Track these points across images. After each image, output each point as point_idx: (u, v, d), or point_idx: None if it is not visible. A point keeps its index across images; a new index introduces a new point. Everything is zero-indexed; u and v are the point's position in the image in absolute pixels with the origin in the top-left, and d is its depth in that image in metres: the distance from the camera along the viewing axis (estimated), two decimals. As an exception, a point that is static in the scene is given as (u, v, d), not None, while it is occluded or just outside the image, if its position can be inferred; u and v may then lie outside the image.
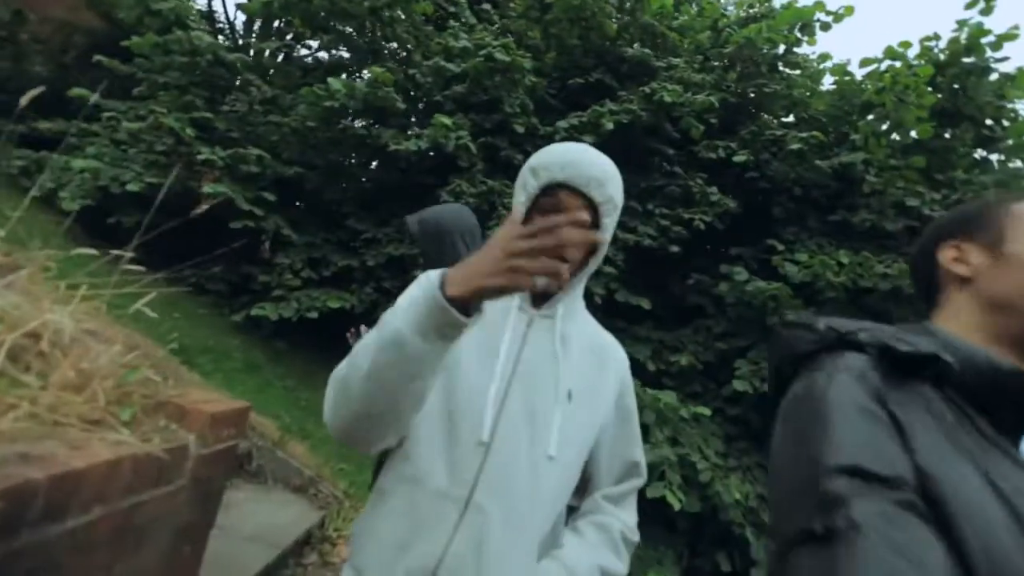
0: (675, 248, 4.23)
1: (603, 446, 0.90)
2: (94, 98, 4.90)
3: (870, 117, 4.04)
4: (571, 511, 0.94)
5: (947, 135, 4.21)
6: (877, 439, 0.49)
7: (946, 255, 0.68)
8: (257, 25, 7.89)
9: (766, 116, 4.56)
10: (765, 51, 4.52)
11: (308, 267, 4.86)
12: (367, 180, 5.58)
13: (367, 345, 0.70)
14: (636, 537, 0.90)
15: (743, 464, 3.81)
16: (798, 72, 5.16)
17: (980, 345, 0.59)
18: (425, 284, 0.65)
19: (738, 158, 4.32)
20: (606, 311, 4.08)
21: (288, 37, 7.11)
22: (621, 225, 4.45)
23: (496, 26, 5.49)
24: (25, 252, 1.43)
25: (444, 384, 0.80)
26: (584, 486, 0.91)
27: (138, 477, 1.26)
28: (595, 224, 0.80)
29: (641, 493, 0.99)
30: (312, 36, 5.66)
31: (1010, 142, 4.00)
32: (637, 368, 3.98)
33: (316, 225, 5.32)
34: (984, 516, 0.44)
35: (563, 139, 4.59)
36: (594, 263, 0.86)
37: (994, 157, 4.17)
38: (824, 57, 5.14)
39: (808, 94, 4.73)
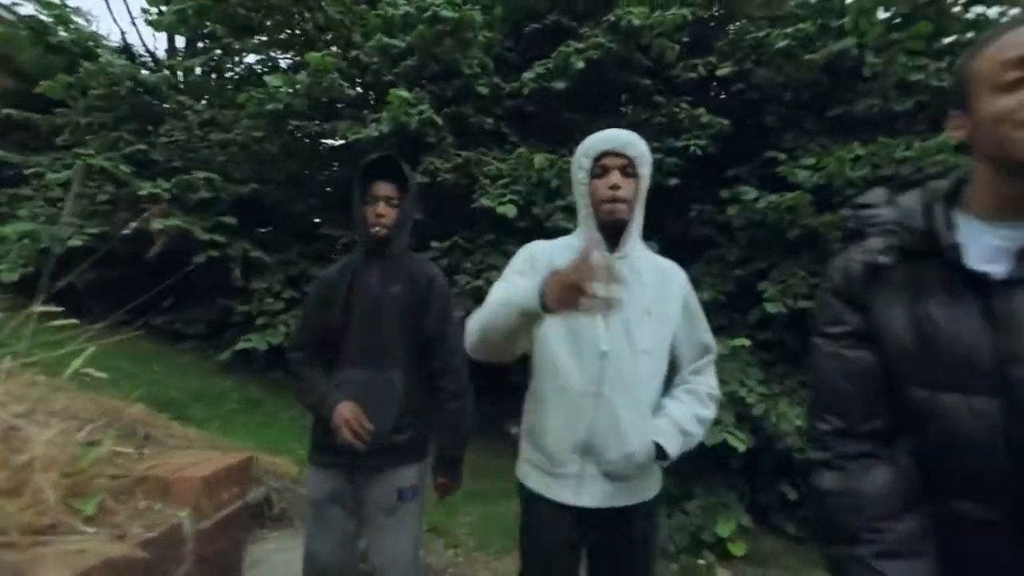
0: (673, 180, 3.92)
1: (680, 339, 1.28)
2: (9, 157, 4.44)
3: (853, -3, 3.72)
4: None
5: None
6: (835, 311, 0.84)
7: (949, 126, 0.79)
8: (182, 46, 7.31)
9: (741, 23, 4.21)
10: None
11: (288, 287, 4.48)
12: (332, 183, 5.18)
13: (486, 311, 1.12)
14: (718, 393, 1.31)
15: (787, 388, 3.59)
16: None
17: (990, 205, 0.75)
18: (531, 293, 0.98)
19: (721, 71, 3.98)
20: (618, 263, 3.78)
21: (218, 53, 6.56)
22: (613, 170, 4.14)
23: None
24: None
25: (565, 322, 1.19)
26: (675, 372, 1.30)
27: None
28: (633, 173, 1.24)
29: (701, 445, 1.32)
30: (239, 43, 5.17)
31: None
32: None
33: (287, 241, 4.92)
34: (896, 331, 0.76)
35: (532, 91, 4.23)
36: (640, 205, 1.26)
37: (992, 11, 3.87)
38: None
39: (781, -10, 4.38)
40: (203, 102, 5.31)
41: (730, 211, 3.82)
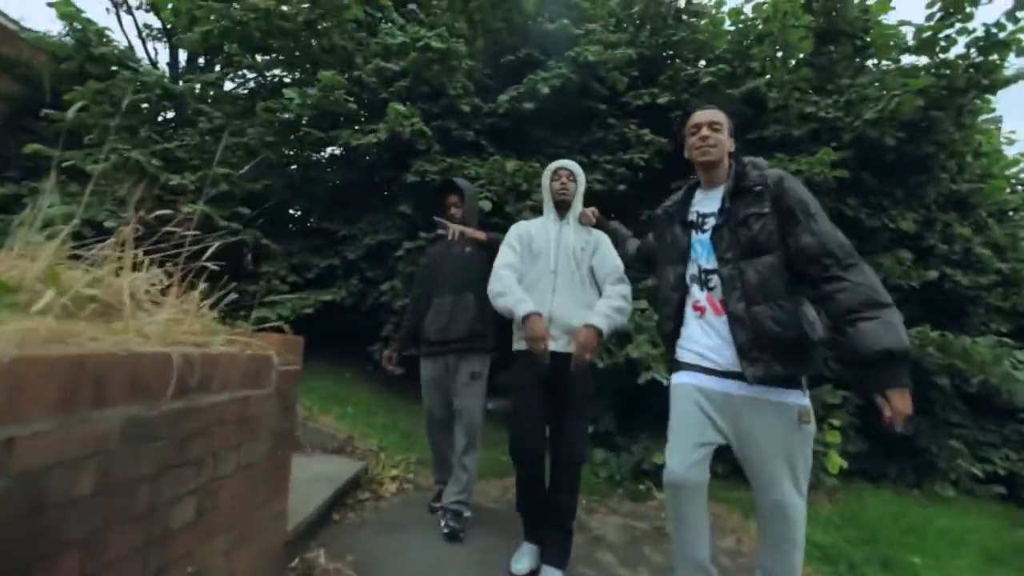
0: (622, 187, 4.74)
1: (598, 268, 2.23)
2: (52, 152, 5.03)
3: (763, 45, 4.66)
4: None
5: (832, 51, 4.89)
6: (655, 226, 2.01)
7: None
8: (183, 60, 7.98)
9: (679, 62, 5.12)
10: (667, 3, 5.09)
11: (292, 272, 5.12)
12: (330, 183, 5.87)
13: (499, 287, 2.19)
14: (626, 291, 2.17)
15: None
16: (704, 21, 5.76)
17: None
18: (521, 311, 2.09)
19: (661, 100, 4.87)
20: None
21: (217, 68, 7.24)
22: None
23: (425, 24, 5.86)
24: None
25: (533, 256, 2.25)
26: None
27: (247, 372, 1.62)
28: (573, 180, 2.34)
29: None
30: (250, 60, 5.87)
31: (874, 50, 4.71)
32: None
33: (289, 233, 5.57)
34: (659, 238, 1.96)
35: (506, 111, 5.04)
36: (578, 198, 2.33)
37: (869, 63, 4.87)
38: (720, 4, 5.77)
39: (712, 37, 5.33)
40: (216, 112, 5.97)
41: (669, 213, 4.66)
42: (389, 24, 5.55)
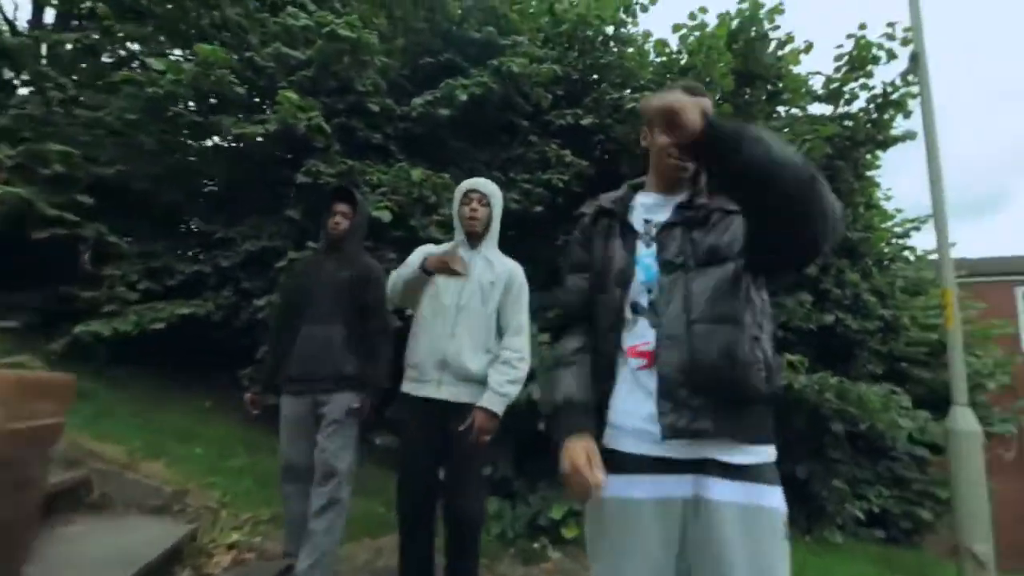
0: (538, 208, 4.45)
1: (503, 310, 2.07)
2: None
3: (687, 78, 4.65)
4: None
5: (747, 93, 5.00)
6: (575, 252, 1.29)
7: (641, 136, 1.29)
8: (52, 20, 6.74)
9: (605, 85, 5.00)
10: (596, 27, 4.97)
11: (147, 278, 4.25)
12: (212, 178, 5.07)
13: (399, 270, 2.20)
14: (525, 354, 2.04)
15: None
16: (631, 50, 5.72)
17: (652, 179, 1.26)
18: (418, 259, 2.15)
19: (585, 121, 4.68)
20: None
21: (95, 36, 6.13)
22: (488, 194, 4.60)
23: (339, 12, 5.31)
24: None
25: (436, 287, 2.06)
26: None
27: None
28: (487, 204, 2.13)
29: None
30: (122, 27, 4.95)
31: (787, 96, 4.88)
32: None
33: (153, 231, 4.69)
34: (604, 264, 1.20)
35: (419, 116, 4.60)
36: (494, 223, 2.16)
37: (781, 109, 5.05)
38: (646, 36, 5.78)
39: (638, 66, 5.28)
40: (71, 80, 4.97)
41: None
42: (296, 9, 4.93)
